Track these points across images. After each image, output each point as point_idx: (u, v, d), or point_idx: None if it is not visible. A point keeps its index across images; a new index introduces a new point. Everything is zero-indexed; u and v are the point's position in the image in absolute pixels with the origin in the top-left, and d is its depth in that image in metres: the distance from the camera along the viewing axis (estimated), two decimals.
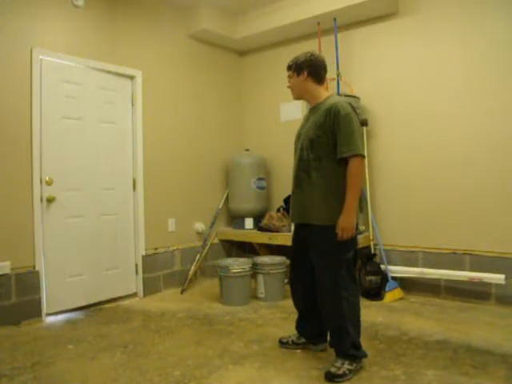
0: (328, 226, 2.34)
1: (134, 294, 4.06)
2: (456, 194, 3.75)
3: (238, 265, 3.79)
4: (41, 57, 3.44)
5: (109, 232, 3.92)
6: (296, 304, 2.72)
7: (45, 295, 3.42)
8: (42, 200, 3.44)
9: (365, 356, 2.40)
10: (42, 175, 3.44)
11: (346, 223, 2.29)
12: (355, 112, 2.37)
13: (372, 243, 4.05)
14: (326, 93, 2.54)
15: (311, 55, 2.54)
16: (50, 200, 3.47)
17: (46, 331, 3.18)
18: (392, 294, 3.74)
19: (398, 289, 3.79)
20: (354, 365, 2.33)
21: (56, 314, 3.49)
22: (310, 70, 2.50)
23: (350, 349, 2.34)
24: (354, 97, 4.11)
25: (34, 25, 3.41)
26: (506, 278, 3.41)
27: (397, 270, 3.88)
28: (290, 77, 2.59)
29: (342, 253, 2.36)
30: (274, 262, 3.91)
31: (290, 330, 3.03)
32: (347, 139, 2.28)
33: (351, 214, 2.29)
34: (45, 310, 3.42)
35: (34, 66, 3.39)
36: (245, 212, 4.70)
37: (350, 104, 2.39)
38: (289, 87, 2.62)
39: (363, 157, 2.32)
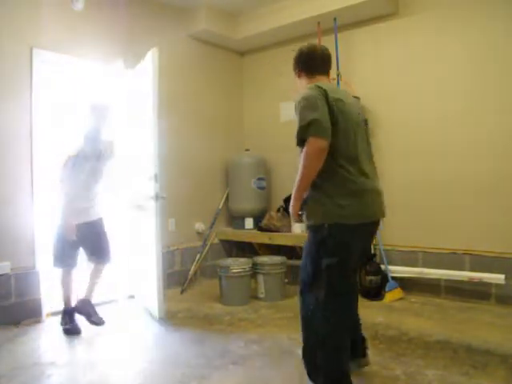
0: (308, 227, 2.08)
1: (133, 296, 4.05)
2: (456, 194, 3.75)
3: (238, 265, 3.79)
4: (40, 57, 3.43)
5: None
6: None
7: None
8: (156, 198, 3.30)
9: None
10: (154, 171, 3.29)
11: (290, 208, 2.08)
12: (316, 93, 1.95)
13: (372, 243, 4.05)
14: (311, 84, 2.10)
15: (299, 49, 2.23)
16: (158, 198, 3.32)
17: (45, 331, 3.18)
18: (392, 294, 3.74)
19: (398, 289, 3.78)
20: None
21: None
22: (302, 65, 2.21)
23: None
24: (354, 97, 4.09)
25: (33, 25, 3.40)
26: (506, 278, 3.40)
27: (397, 270, 3.88)
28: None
29: (320, 256, 1.98)
30: (274, 262, 3.91)
31: (289, 330, 3.03)
32: (297, 128, 1.93)
33: (292, 201, 2.03)
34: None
35: (34, 66, 3.39)
36: (245, 212, 4.70)
37: (316, 85, 2.00)
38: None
39: (317, 137, 1.85)
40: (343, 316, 2.00)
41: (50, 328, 3.23)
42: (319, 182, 1.98)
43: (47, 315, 3.41)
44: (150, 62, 3.37)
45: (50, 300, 3.47)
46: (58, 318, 3.21)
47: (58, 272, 3.18)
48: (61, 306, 3.23)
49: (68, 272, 3.17)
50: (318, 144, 1.86)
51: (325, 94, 1.95)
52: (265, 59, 5.10)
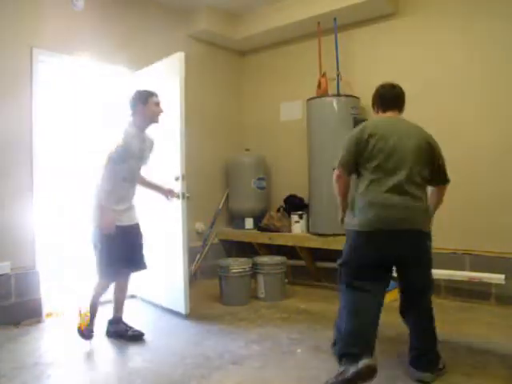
0: None
1: (134, 296, 4.05)
2: (456, 194, 3.74)
3: (238, 265, 3.79)
4: (40, 57, 3.43)
5: None
6: None
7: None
8: (183, 197, 3.36)
9: (339, 360, 2.20)
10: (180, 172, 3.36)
11: None
12: (360, 130, 2.38)
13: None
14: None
15: (376, 89, 2.59)
16: (185, 197, 3.38)
17: (45, 331, 3.18)
18: (392, 294, 3.73)
19: (395, 290, 3.78)
20: (341, 366, 2.15)
21: None
22: (376, 103, 2.58)
23: (333, 348, 2.32)
24: (354, 97, 4.10)
25: (33, 25, 3.40)
26: (506, 278, 3.40)
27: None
28: None
29: (342, 254, 2.41)
30: (274, 262, 3.91)
31: (290, 330, 3.04)
32: None
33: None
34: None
35: (34, 66, 3.38)
36: (245, 212, 4.70)
37: (363, 124, 2.44)
38: None
39: (340, 168, 2.39)
40: (349, 308, 2.28)
41: (50, 328, 3.23)
42: (354, 195, 2.39)
43: (47, 315, 3.42)
44: (176, 65, 3.42)
45: (50, 300, 3.48)
46: (59, 319, 3.21)
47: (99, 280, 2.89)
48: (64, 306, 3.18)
49: (110, 284, 2.95)
50: (335, 174, 2.43)
51: (362, 131, 2.35)
52: (265, 59, 5.10)
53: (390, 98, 2.57)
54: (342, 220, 2.52)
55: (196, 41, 4.73)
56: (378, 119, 2.51)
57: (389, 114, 2.55)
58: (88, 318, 2.90)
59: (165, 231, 3.58)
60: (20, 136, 3.33)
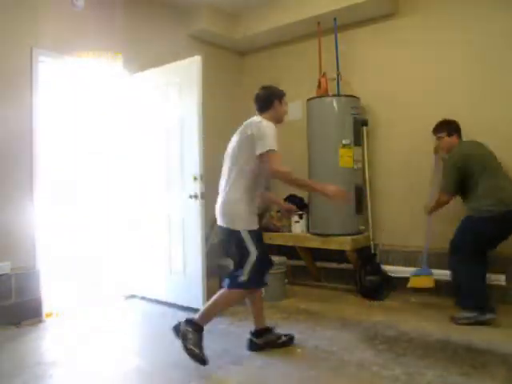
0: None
1: (133, 295, 4.05)
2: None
3: None
4: (40, 57, 3.43)
5: None
6: None
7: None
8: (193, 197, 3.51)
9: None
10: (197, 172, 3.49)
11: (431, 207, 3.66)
12: (457, 157, 3.24)
13: (372, 243, 4.04)
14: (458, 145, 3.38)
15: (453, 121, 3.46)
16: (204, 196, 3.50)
17: (46, 331, 3.18)
18: (418, 280, 3.64)
19: (429, 277, 3.63)
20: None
21: None
22: (454, 132, 3.40)
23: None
24: (354, 97, 4.10)
25: (33, 25, 3.40)
26: (506, 278, 3.40)
27: (397, 270, 3.88)
28: (440, 138, 3.44)
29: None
30: (274, 262, 3.90)
31: (290, 330, 3.03)
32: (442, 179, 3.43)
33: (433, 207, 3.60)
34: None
35: (34, 66, 3.38)
36: None
37: (459, 150, 3.29)
38: (440, 147, 3.51)
39: (445, 193, 3.37)
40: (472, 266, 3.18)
41: (51, 328, 3.23)
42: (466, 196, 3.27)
43: (47, 315, 3.42)
44: (193, 68, 3.51)
45: (50, 300, 3.48)
46: (57, 318, 3.20)
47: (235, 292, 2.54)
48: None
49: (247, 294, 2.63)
50: (443, 198, 3.39)
51: (460, 157, 3.24)
52: (265, 59, 5.09)
53: (460, 129, 3.47)
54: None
55: (196, 41, 4.72)
56: (465, 142, 3.39)
57: (457, 137, 3.45)
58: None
59: (183, 229, 3.64)
60: (20, 136, 3.32)
